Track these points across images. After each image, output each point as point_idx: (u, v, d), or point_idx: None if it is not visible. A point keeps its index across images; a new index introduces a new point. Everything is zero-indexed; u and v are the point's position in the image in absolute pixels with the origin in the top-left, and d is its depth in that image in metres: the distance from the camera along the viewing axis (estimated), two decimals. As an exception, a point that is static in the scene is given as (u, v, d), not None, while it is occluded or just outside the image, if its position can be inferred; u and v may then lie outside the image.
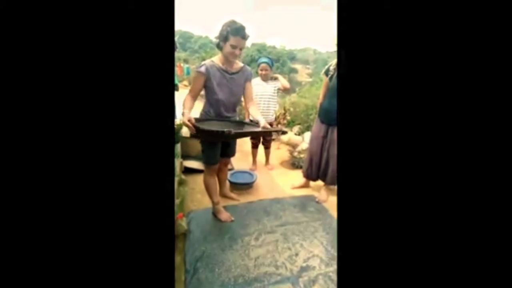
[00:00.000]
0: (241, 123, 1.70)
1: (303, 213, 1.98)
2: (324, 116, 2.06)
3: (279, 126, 3.24)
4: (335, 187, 2.25)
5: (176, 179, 1.91)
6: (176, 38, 1.99)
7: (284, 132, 1.52)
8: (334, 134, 2.02)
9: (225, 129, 1.35)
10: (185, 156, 2.56)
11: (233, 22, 1.42)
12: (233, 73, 1.56)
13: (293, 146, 3.03)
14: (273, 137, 3.18)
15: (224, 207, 1.93)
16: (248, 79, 1.64)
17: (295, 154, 2.88)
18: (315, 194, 2.27)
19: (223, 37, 1.43)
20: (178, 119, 2.24)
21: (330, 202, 2.16)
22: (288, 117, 3.94)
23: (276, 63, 29.80)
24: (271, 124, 2.50)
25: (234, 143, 1.85)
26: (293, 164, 2.88)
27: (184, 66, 9.72)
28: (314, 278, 1.38)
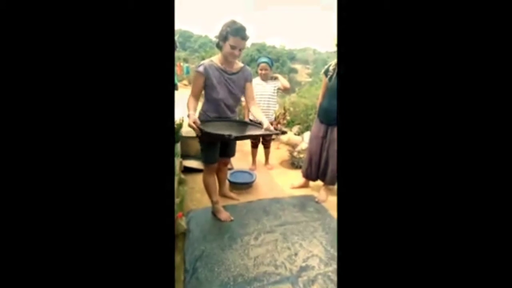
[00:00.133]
0: (245, 123, 1.70)
1: (303, 213, 1.98)
2: (324, 116, 2.06)
3: (279, 126, 3.24)
4: (335, 187, 2.26)
5: (176, 178, 1.91)
6: (176, 38, 1.99)
7: (284, 132, 1.52)
8: (333, 134, 2.02)
9: (226, 134, 1.35)
10: (185, 156, 2.56)
11: (233, 22, 1.41)
12: (232, 73, 1.56)
13: (293, 146, 3.04)
14: (273, 137, 3.18)
15: (224, 206, 1.93)
16: (248, 79, 1.63)
17: (295, 154, 2.89)
18: (315, 194, 2.27)
19: (223, 37, 1.42)
20: (178, 119, 2.24)
21: (330, 202, 2.16)
22: (288, 117, 3.94)
23: (276, 63, 29.81)
24: (271, 124, 2.50)
25: (234, 143, 1.85)
26: (293, 164, 2.88)
27: (184, 66, 9.70)
28: (314, 278, 1.38)
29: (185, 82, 9.15)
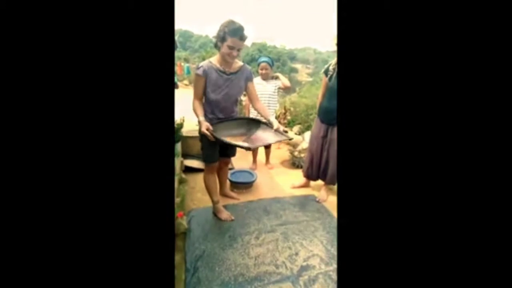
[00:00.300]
0: (254, 121, 1.67)
1: (303, 213, 1.98)
2: (324, 115, 2.06)
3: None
4: (335, 187, 2.25)
5: (176, 178, 1.91)
6: (176, 37, 1.99)
7: (290, 139, 1.54)
8: (334, 133, 2.02)
9: (245, 146, 1.37)
10: (186, 155, 2.57)
11: (231, 22, 1.39)
12: (231, 73, 1.55)
13: (293, 145, 3.04)
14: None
15: (224, 206, 1.93)
16: (249, 79, 1.62)
17: (296, 153, 2.88)
18: (315, 193, 2.27)
19: (221, 38, 1.41)
20: (178, 118, 2.24)
21: (330, 201, 2.16)
22: (289, 117, 3.94)
23: (277, 62, 29.80)
24: None
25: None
26: (293, 163, 2.88)
27: (184, 65, 9.71)
28: (314, 277, 1.38)
29: (186, 82, 9.16)
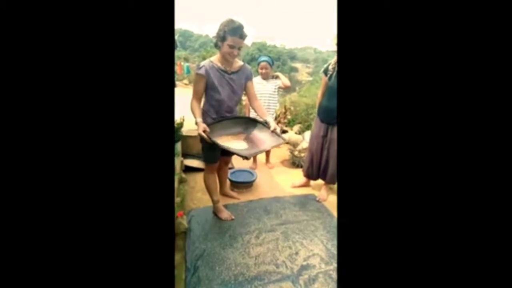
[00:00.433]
0: (250, 121, 1.68)
1: (304, 212, 1.98)
2: (324, 115, 2.06)
3: (279, 125, 3.25)
4: (335, 186, 2.26)
5: (177, 177, 1.91)
6: (176, 37, 1.99)
7: (285, 132, 1.55)
8: (333, 133, 2.02)
9: (242, 155, 1.35)
10: (186, 155, 2.57)
11: (231, 21, 1.40)
12: (232, 73, 1.55)
13: (294, 145, 3.03)
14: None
15: (225, 205, 1.93)
16: (249, 78, 1.62)
17: (296, 153, 2.89)
18: (316, 193, 2.27)
19: (221, 37, 1.41)
20: (178, 118, 2.24)
21: (330, 201, 2.16)
22: (289, 116, 3.94)
23: (277, 62, 29.79)
24: None
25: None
26: (294, 163, 2.88)
27: (184, 65, 9.69)
28: (314, 276, 1.38)
29: (186, 81, 9.15)
